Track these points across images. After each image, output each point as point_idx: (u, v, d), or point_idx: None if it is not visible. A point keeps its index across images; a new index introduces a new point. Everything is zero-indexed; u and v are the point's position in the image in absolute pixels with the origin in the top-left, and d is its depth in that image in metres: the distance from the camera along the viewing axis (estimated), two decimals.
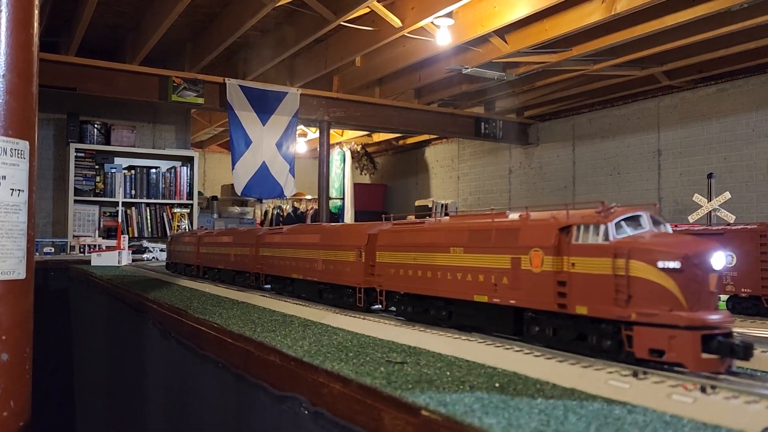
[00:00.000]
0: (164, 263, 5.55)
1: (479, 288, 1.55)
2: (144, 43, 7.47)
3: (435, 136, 12.89)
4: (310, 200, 13.42)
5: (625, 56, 7.49)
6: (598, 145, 10.15)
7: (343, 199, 13.37)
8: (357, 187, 13.75)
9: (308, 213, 13.14)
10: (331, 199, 11.68)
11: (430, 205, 11.89)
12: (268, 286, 2.81)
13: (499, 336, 1.56)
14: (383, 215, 2.24)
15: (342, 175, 13.47)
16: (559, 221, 1.41)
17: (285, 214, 13.28)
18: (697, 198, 2.44)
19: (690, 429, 0.81)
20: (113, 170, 8.38)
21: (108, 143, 8.41)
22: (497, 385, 1.07)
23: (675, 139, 9.01)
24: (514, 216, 1.57)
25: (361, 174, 14.46)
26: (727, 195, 1.88)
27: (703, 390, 0.93)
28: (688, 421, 0.84)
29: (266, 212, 13.59)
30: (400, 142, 13.75)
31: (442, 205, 11.92)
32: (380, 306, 2.03)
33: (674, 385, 0.97)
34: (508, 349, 1.31)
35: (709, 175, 2.45)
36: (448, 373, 1.17)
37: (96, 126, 8.37)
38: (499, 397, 0.99)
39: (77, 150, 8.03)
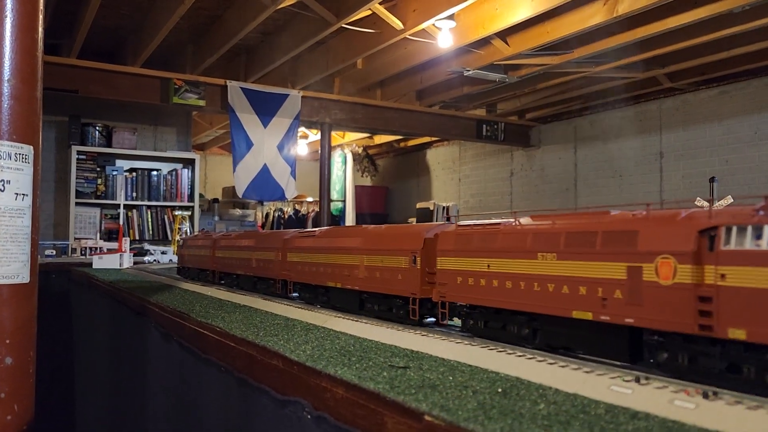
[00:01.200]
0: (166, 266, 5.56)
1: (580, 302, 1.27)
2: (145, 46, 7.48)
3: (436, 138, 12.90)
4: (311, 202, 13.42)
5: (627, 58, 7.49)
6: (599, 148, 10.14)
7: (344, 201, 13.37)
8: (358, 189, 13.75)
9: (309, 215, 13.14)
10: (332, 201, 11.69)
11: (431, 208, 11.89)
12: (296, 294, 2.56)
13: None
14: (448, 217, 2.10)
15: (343, 177, 13.48)
16: (698, 221, 1.14)
17: (286, 216, 13.28)
18: (699, 202, 2.44)
19: None
20: (114, 172, 8.39)
21: (109, 145, 8.42)
22: (500, 390, 1.07)
23: (677, 141, 9.00)
24: (623, 215, 1.32)
25: (362, 176, 14.47)
26: (730, 199, 1.87)
27: (705, 396, 0.93)
28: (691, 426, 0.85)
29: (267, 214, 13.59)
30: (402, 144, 13.76)
31: (444, 207, 11.91)
32: (435, 319, 1.83)
33: (676, 390, 0.97)
34: (510, 354, 1.31)
35: (711, 179, 2.45)
36: (451, 378, 1.17)
37: (97, 128, 8.38)
38: (502, 403, 0.99)
39: (79, 152, 8.04)
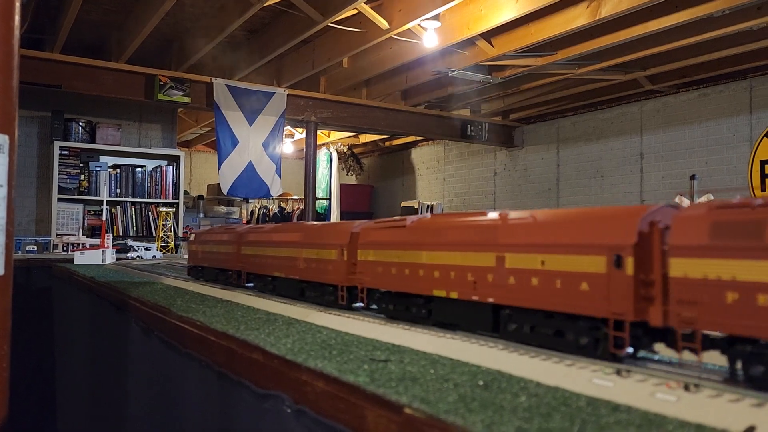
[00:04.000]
0: (149, 262, 5.51)
1: None
2: (130, 42, 7.41)
3: (421, 138, 12.92)
4: (296, 200, 13.40)
5: (609, 60, 7.55)
6: (581, 148, 10.22)
7: (329, 199, 13.36)
8: (343, 188, 13.74)
9: (294, 213, 13.12)
10: (317, 199, 11.67)
11: (416, 206, 11.90)
12: (359, 304, 2.00)
13: (484, 334, 1.45)
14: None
15: (328, 175, 13.46)
16: None
17: (271, 213, 13.26)
18: (679, 199, 2.48)
19: (674, 427, 0.82)
20: (98, 169, 8.31)
21: (93, 141, 8.34)
22: (481, 383, 1.07)
23: (657, 142, 9.10)
24: None
25: (347, 175, 14.46)
26: (710, 196, 1.89)
27: (686, 388, 0.94)
28: (672, 419, 0.85)
29: (252, 212, 13.55)
30: (387, 144, 13.76)
31: (428, 206, 11.93)
32: (633, 351, 1.20)
33: (658, 383, 0.98)
34: (492, 347, 1.31)
35: (692, 177, 2.47)
36: (432, 371, 1.17)
37: (81, 124, 8.30)
38: (483, 395, 0.99)
39: (61, 148, 7.95)
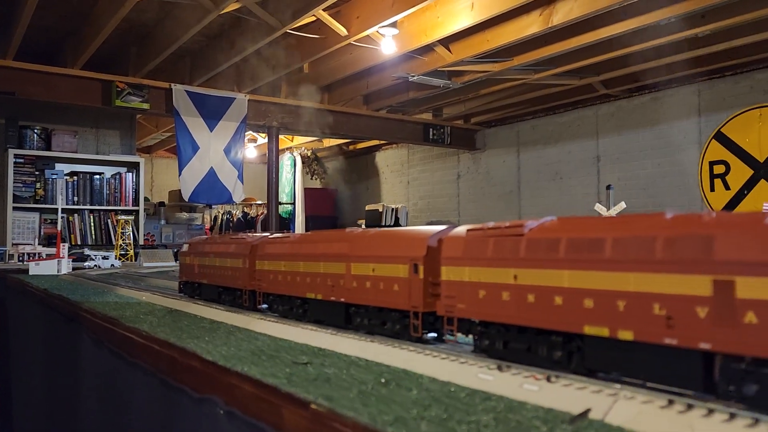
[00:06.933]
0: (107, 271, 5.50)
1: None
2: (86, 47, 7.38)
3: (385, 142, 13.05)
4: (260, 205, 13.42)
5: (563, 66, 7.79)
6: (541, 151, 10.47)
7: (293, 204, 13.41)
8: (308, 192, 13.80)
9: (258, 218, 13.13)
10: (281, 204, 11.72)
11: (380, 210, 12.03)
12: (432, 335, 1.59)
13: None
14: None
15: (292, 180, 13.52)
16: None
17: (235, 219, 13.25)
18: (598, 207, 2.65)
19: (529, 410, 0.96)
20: (54, 176, 8.25)
21: (49, 149, 8.28)
22: (383, 380, 1.19)
23: (613, 145, 9.38)
24: None
25: (311, 179, 14.52)
26: (623, 205, 2.02)
27: (548, 380, 1.07)
28: (532, 406, 0.99)
29: (215, 218, 13.53)
30: (351, 147, 13.86)
31: (393, 209, 12.08)
32: None
33: (527, 376, 1.11)
34: (403, 349, 1.43)
35: (608, 187, 2.64)
36: (345, 372, 1.28)
37: (36, 131, 8.23)
38: (381, 391, 1.11)
39: (16, 156, 7.88)
